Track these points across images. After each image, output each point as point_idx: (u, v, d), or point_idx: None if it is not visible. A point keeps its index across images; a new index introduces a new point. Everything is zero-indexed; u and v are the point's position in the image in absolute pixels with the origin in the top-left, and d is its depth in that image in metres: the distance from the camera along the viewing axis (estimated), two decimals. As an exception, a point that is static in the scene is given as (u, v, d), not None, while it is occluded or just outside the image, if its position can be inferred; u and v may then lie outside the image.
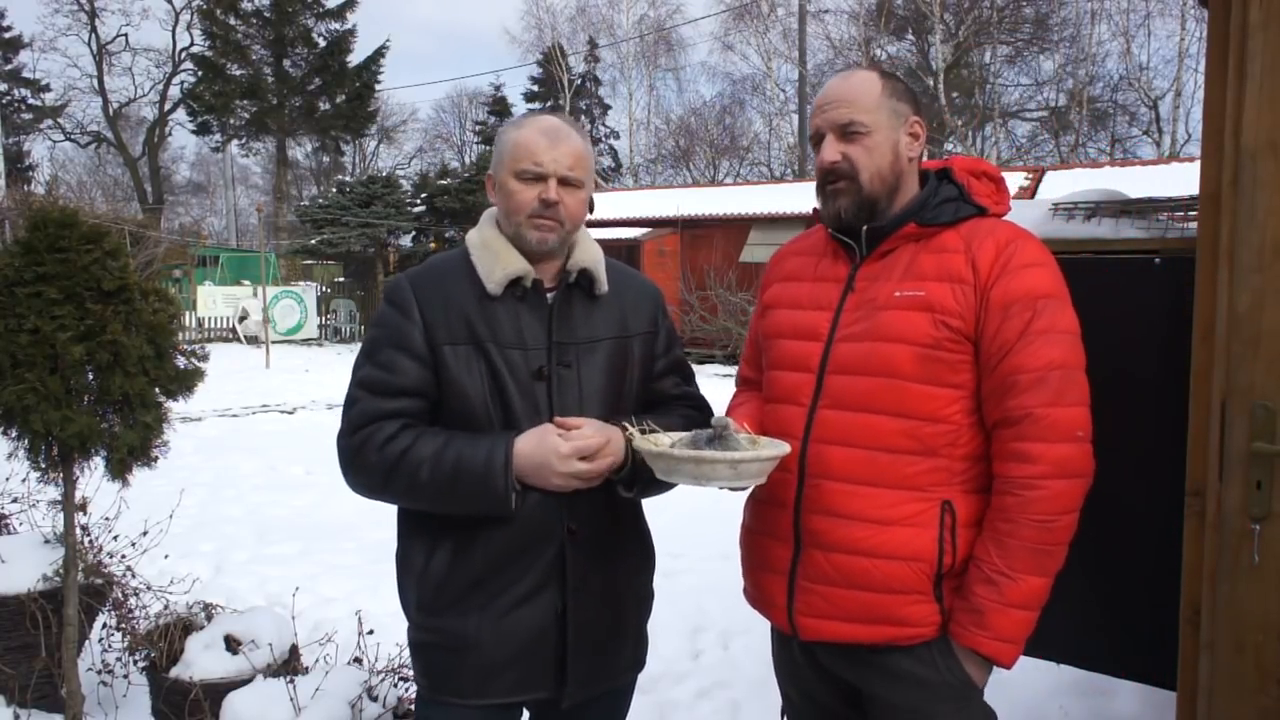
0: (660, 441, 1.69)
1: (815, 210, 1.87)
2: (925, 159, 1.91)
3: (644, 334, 1.92)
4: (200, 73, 33.87)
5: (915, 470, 1.70)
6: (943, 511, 1.70)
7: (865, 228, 1.78)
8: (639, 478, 1.78)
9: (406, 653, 1.96)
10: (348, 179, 30.67)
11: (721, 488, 1.64)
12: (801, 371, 1.81)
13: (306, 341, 20.94)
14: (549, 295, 1.82)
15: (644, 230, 18.61)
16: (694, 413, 1.95)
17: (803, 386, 1.80)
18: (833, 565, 1.73)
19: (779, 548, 1.82)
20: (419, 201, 24.60)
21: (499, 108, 37.39)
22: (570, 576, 1.78)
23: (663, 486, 1.82)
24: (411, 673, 2.05)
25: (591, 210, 1.89)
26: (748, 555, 1.96)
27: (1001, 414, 1.67)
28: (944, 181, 1.83)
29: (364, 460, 1.74)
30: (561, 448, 1.68)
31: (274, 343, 18.13)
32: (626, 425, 1.73)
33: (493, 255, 1.79)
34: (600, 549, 1.83)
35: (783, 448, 1.70)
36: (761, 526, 1.88)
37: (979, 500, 1.72)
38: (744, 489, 1.74)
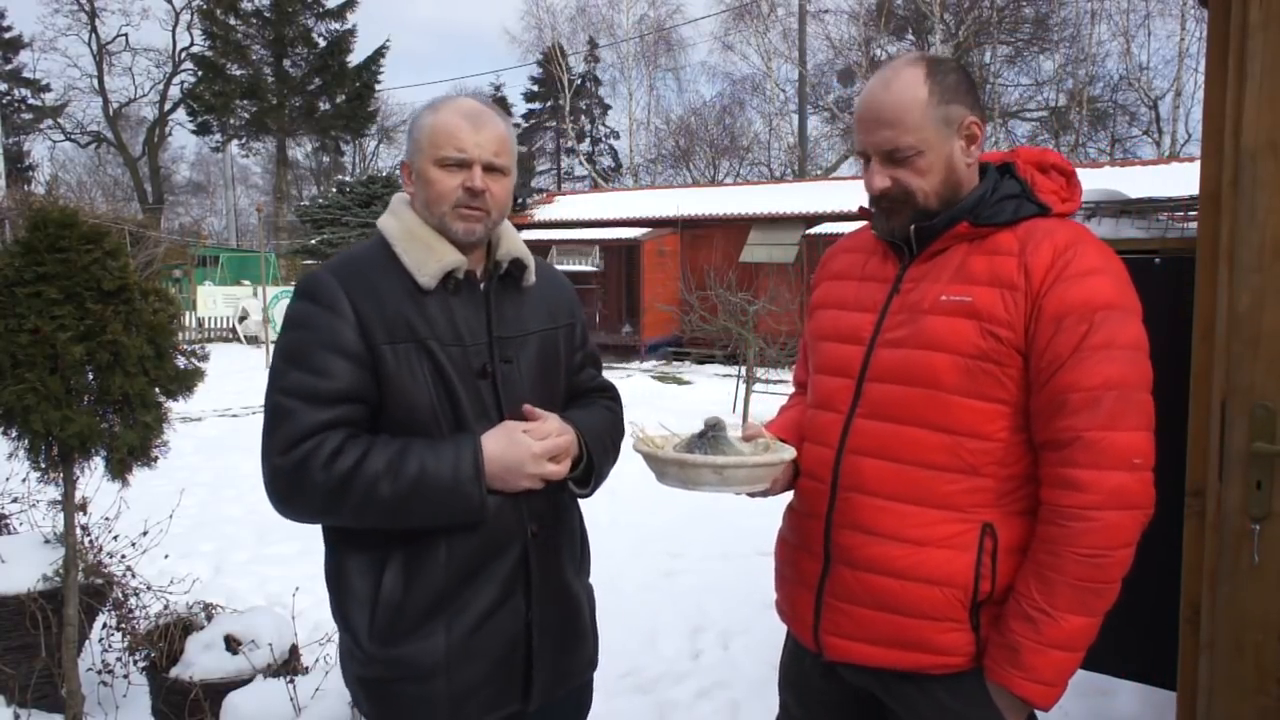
0: (668, 441, 1.67)
1: (863, 208, 1.77)
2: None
3: (566, 326, 1.84)
4: (200, 73, 33.82)
5: (954, 489, 1.58)
6: (983, 534, 1.57)
7: (914, 227, 1.65)
8: (593, 475, 1.75)
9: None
10: (348, 179, 30.63)
11: (719, 492, 1.59)
12: (841, 376, 1.71)
13: (306, 341, 20.91)
14: (481, 286, 1.72)
15: (644, 230, 18.60)
16: (612, 403, 1.90)
17: (841, 392, 1.70)
18: (861, 584, 1.64)
19: (808, 561, 1.73)
20: (419, 201, 24.57)
21: (499, 108, 37.36)
22: (535, 578, 1.70)
23: (602, 481, 1.79)
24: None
25: (516, 201, 1.83)
26: (779, 567, 1.86)
27: (1050, 435, 1.53)
28: (1005, 177, 1.67)
29: (307, 481, 1.53)
30: (535, 448, 1.61)
31: (274, 343, 18.10)
32: (631, 423, 1.70)
33: (423, 246, 1.65)
34: (554, 549, 1.76)
35: (785, 454, 1.65)
36: (794, 538, 1.80)
37: (1025, 524, 1.59)
38: (754, 495, 1.68)
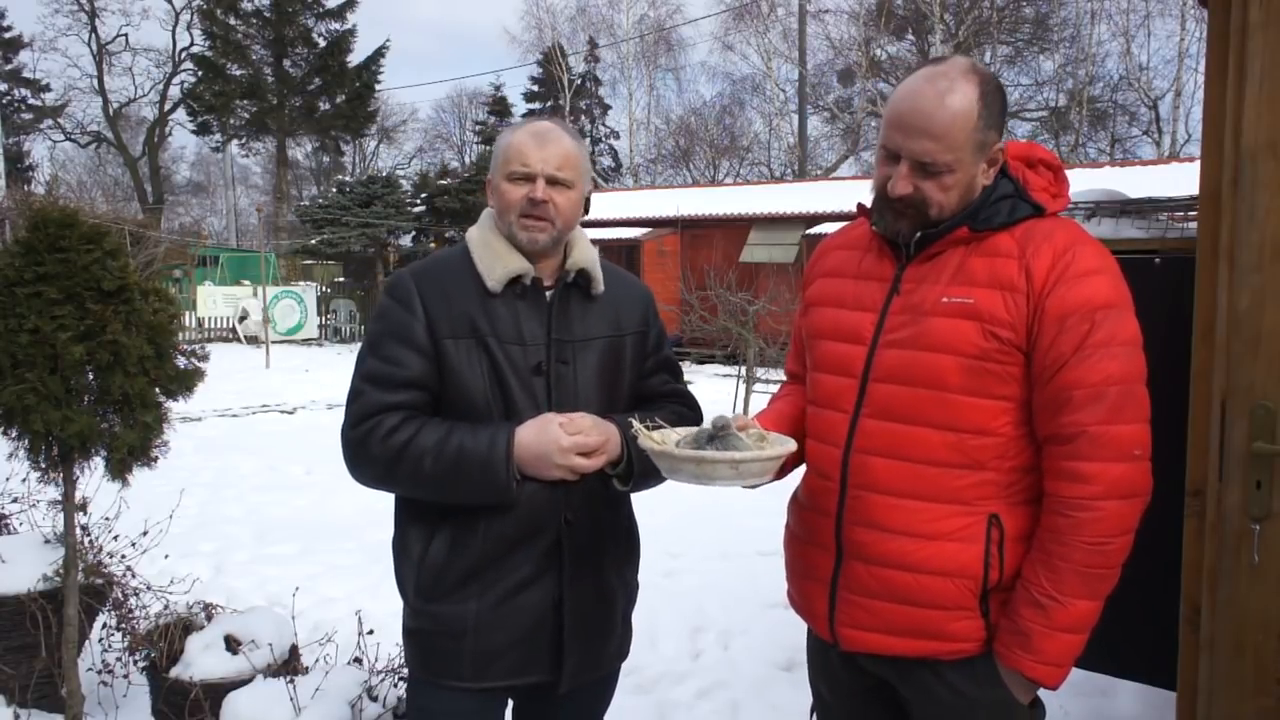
0: (668, 439, 1.70)
1: (861, 206, 1.79)
2: None
3: (636, 333, 1.96)
4: (200, 73, 33.82)
5: (961, 484, 1.63)
6: (989, 526, 1.63)
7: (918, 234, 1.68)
8: (634, 473, 1.82)
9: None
10: (348, 179, 30.62)
11: (729, 486, 1.63)
12: (844, 376, 1.74)
13: (306, 341, 20.92)
14: (548, 293, 1.87)
15: (644, 230, 18.60)
16: (684, 409, 1.99)
17: (845, 392, 1.73)
18: (875, 578, 1.68)
19: (821, 556, 1.77)
20: (419, 201, 24.59)
21: (499, 108, 37.41)
22: (566, 565, 1.84)
23: (655, 481, 1.85)
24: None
25: (587, 210, 1.91)
26: (790, 561, 1.90)
27: (1054, 430, 1.58)
28: (999, 176, 1.70)
29: (368, 452, 1.77)
30: (563, 441, 1.73)
31: (274, 343, 18.12)
32: (632, 421, 1.74)
33: (493, 254, 1.83)
34: (593, 539, 1.88)
35: (789, 446, 1.68)
36: (804, 533, 1.83)
37: (1028, 513, 1.65)
38: (752, 487, 1.71)
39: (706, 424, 1.69)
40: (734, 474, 1.60)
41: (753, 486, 1.72)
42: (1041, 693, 1.68)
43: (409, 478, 1.76)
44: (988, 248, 1.65)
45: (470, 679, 1.82)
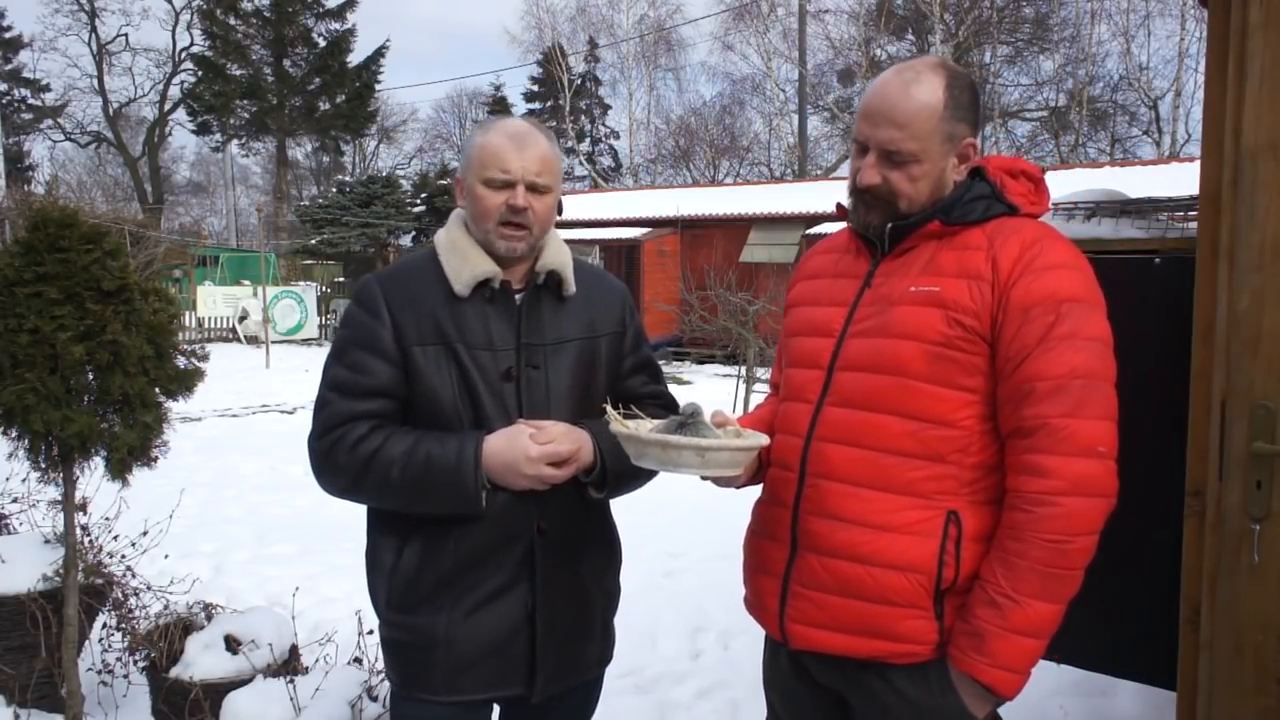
0: (641, 426, 1.69)
1: (840, 205, 1.80)
2: None
3: (612, 334, 1.92)
4: (200, 73, 33.83)
5: (919, 476, 1.60)
6: (947, 522, 1.59)
7: (890, 225, 1.69)
8: (608, 479, 1.80)
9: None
10: (348, 179, 30.66)
11: (696, 475, 1.61)
12: (812, 368, 1.73)
13: (306, 341, 20.90)
14: (517, 296, 1.82)
15: (644, 230, 18.60)
16: (662, 410, 1.94)
17: (811, 383, 1.72)
18: (827, 570, 1.64)
19: (775, 549, 1.75)
20: (419, 201, 24.61)
21: (499, 108, 37.40)
22: (539, 574, 1.79)
23: (631, 486, 1.84)
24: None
25: (560, 213, 1.87)
26: (747, 558, 1.89)
27: (1016, 423, 1.56)
28: (976, 179, 1.71)
29: (334, 462, 1.73)
30: (532, 451, 1.68)
31: (274, 343, 18.12)
32: (605, 408, 1.72)
33: (460, 257, 1.78)
34: (568, 547, 1.84)
35: (759, 440, 1.67)
36: (761, 528, 1.82)
37: (990, 513, 1.61)
38: (728, 480, 1.71)
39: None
40: (700, 461, 1.58)
41: (726, 484, 1.72)
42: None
43: (377, 487, 1.72)
44: (959, 242, 1.65)
45: (442, 692, 1.78)
